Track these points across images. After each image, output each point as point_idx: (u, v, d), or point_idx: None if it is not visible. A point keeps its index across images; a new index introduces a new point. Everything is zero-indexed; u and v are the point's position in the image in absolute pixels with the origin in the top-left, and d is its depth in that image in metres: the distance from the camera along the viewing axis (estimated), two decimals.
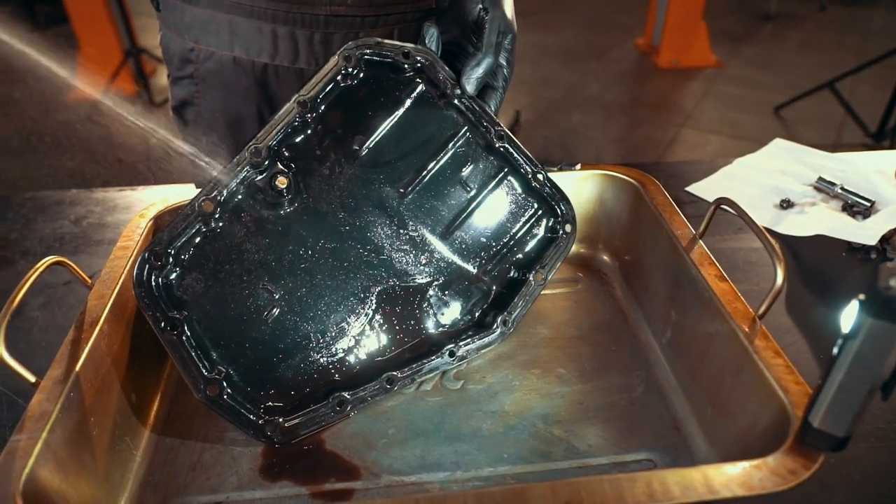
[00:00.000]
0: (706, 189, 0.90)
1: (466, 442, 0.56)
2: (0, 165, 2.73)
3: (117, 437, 0.54)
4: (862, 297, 0.36)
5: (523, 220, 0.69)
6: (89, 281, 0.59)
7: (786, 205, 0.86)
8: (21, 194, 0.91)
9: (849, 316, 0.37)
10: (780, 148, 1.00)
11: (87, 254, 0.79)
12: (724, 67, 3.76)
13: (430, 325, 0.64)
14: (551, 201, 0.69)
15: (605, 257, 0.77)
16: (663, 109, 3.37)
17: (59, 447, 0.46)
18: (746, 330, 0.51)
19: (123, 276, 0.59)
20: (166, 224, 0.61)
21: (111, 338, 0.56)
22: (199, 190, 0.57)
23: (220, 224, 0.58)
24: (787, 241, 0.81)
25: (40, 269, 0.53)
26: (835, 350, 0.39)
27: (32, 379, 0.49)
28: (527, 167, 0.68)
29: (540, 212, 0.69)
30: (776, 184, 0.90)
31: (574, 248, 0.74)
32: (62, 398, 0.48)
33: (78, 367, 0.50)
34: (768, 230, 0.82)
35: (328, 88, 0.61)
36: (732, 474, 0.41)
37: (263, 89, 0.79)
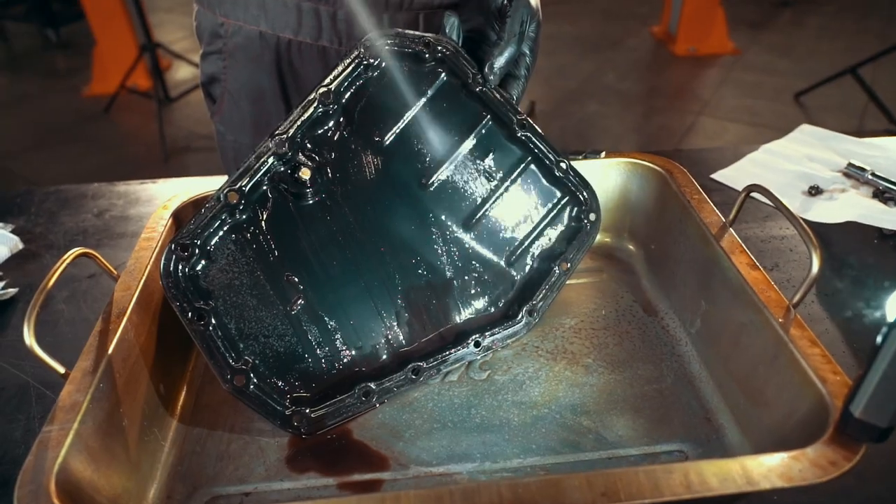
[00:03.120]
0: (732, 176, 0.88)
1: (494, 433, 0.56)
2: (18, 161, 2.76)
3: (146, 427, 0.54)
4: None
5: (547, 209, 0.68)
6: (115, 273, 0.59)
7: (814, 191, 0.85)
8: (43, 188, 0.92)
9: (894, 304, 0.36)
10: (806, 134, 0.98)
11: (111, 246, 0.80)
12: (741, 54, 3.71)
13: (455, 315, 0.63)
14: (575, 190, 0.68)
15: (630, 246, 0.76)
16: (680, 98, 3.33)
17: (91, 437, 0.47)
18: (781, 319, 0.50)
19: (149, 267, 0.59)
20: (189, 216, 0.61)
21: (138, 328, 0.56)
22: (225, 181, 0.57)
23: (245, 215, 0.57)
24: (817, 229, 0.79)
25: (67, 261, 0.53)
26: (878, 339, 0.38)
27: (62, 370, 0.49)
28: (550, 156, 0.67)
29: (564, 201, 0.68)
30: (804, 170, 0.88)
31: (600, 238, 0.74)
32: (92, 388, 0.48)
33: (107, 358, 0.50)
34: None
35: (350, 79, 0.61)
36: (771, 465, 0.40)
37: (287, 66, 0.80)
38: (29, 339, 0.47)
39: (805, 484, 0.39)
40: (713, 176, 0.89)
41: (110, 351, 0.51)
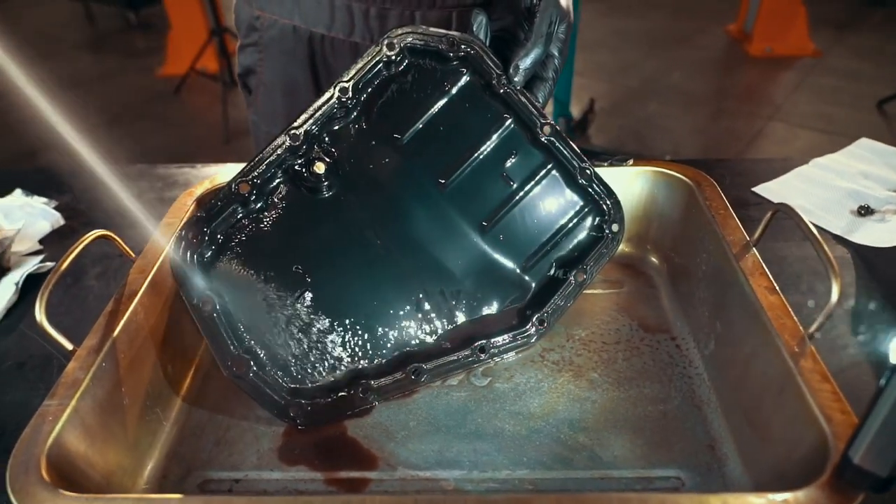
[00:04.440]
0: (775, 190, 0.83)
1: (487, 441, 0.55)
2: (94, 136, 2.90)
3: (148, 407, 0.56)
4: None
5: (568, 216, 0.66)
6: (133, 255, 0.61)
7: (864, 211, 0.79)
8: (93, 167, 0.96)
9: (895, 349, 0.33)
10: (864, 149, 0.92)
11: (144, 228, 0.82)
12: (822, 57, 3.52)
13: (462, 318, 0.63)
14: (598, 199, 0.66)
15: (653, 259, 0.73)
16: (750, 101, 3.19)
17: (88, 415, 0.48)
18: (793, 349, 0.47)
19: (165, 251, 0.61)
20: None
21: (149, 311, 0.57)
22: (238, 171, 0.58)
23: (257, 206, 0.58)
24: (863, 252, 0.74)
25: (85, 242, 0.56)
26: (881, 381, 0.35)
27: (70, 346, 0.51)
28: (574, 162, 0.65)
29: (586, 209, 0.66)
30: (855, 188, 0.83)
31: (621, 248, 0.71)
32: (94, 367, 0.50)
33: (112, 339, 0.52)
34: (840, 239, 0.76)
35: (370, 75, 0.60)
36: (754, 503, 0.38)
37: (320, 60, 0.80)
38: (39, 314, 0.50)
39: None
40: (755, 189, 0.84)
41: (116, 332, 0.53)
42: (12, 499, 0.41)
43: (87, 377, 0.49)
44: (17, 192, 0.87)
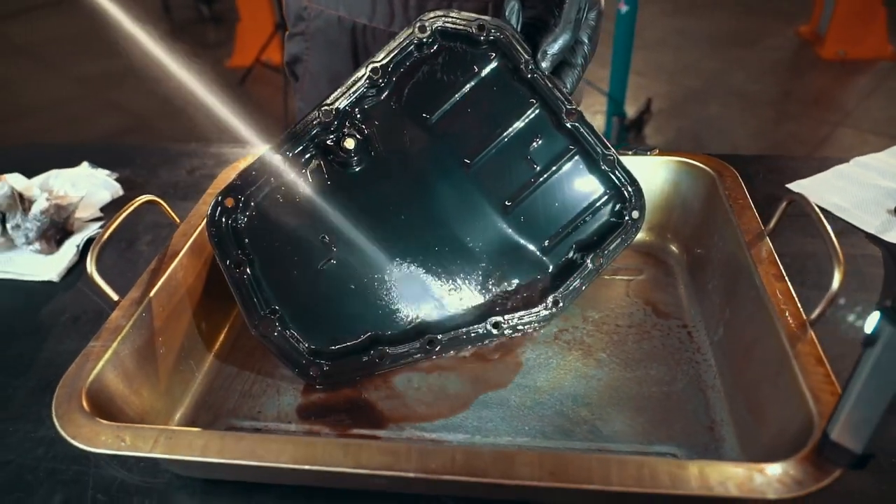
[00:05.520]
0: (809, 187, 0.82)
1: (492, 410, 0.57)
2: (165, 121, 3.06)
3: (183, 358, 0.61)
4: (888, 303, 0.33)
5: (589, 201, 0.67)
6: (178, 221, 0.67)
7: None
8: (153, 144, 1.03)
9: (870, 323, 0.34)
10: None
11: (192, 200, 0.88)
12: None
13: (480, 295, 0.65)
14: (620, 186, 0.67)
15: (673, 248, 0.73)
16: (818, 105, 3.07)
17: (127, 358, 0.54)
18: (792, 333, 0.48)
19: (206, 218, 0.66)
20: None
21: (188, 271, 0.63)
22: (272, 143, 0.62)
23: (289, 177, 0.62)
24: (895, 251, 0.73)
25: (134, 205, 0.61)
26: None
27: (115, 297, 0.56)
28: (598, 148, 0.66)
29: (607, 195, 0.67)
30: (895, 187, 0.81)
31: (642, 236, 0.72)
32: (135, 317, 0.55)
33: (153, 293, 0.57)
34: (873, 237, 0.74)
35: (402, 56, 0.63)
36: (731, 474, 0.39)
37: (362, 50, 0.84)
38: (90, 266, 0.55)
39: (762, 497, 0.38)
40: (789, 185, 0.83)
41: (157, 287, 0.58)
42: (56, 423, 0.46)
43: (128, 325, 0.54)
44: (85, 164, 0.94)
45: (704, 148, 2.70)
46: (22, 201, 0.79)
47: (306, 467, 0.42)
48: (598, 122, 2.86)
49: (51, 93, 3.18)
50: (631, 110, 2.74)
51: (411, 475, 0.41)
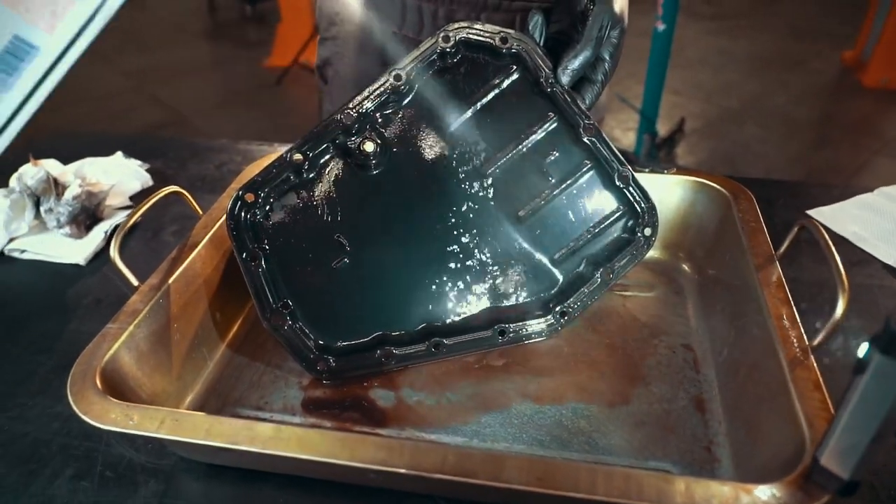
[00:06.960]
0: (830, 215, 0.81)
1: (492, 416, 0.58)
2: (201, 117, 3.13)
3: (196, 346, 0.63)
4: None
5: (602, 216, 0.68)
6: (201, 212, 0.69)
7: None
8: (184, 138, 1.07)
9: (862, 350, 0.34)
10: None
11: (218, 193, 0.91)
12: None
13: (489, 302, 0.66)
14: (634, 202, 0.67)
15: (685, 267, 0.73)
16: (858, 132, 3.01)
17: (142, 341, 0.56)
18: (791, 357, 0.48)
19: (226, 211, 0.68)
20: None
21: (206, 261, 0.65)
22: (294, 143, 0.64)
23: (308, 176, 0.64)
24: None
25: (159, 195, 0.63)
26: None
27: (135, 283, 0.59)
28: (613, 164, 0.67)
29: (620, 211, 0.68)
30: None
31: (655, 254, 0.72)
32: (152, 302, 0.57)
33: (171, 281, 0.60)
34: (891, 269, 0.73)
35: (424, 64, 0.65)
36: (716, 492, 0.39)
37: (391, 57, 0.86)
38: (113, 251, 0.58)
39: None
40: (809, 211, 0.83)
41: (175, 275, 0.60)
42: (70, 400, 0.48)
43: (146, 309, 0.56)
44: (119, 154, 0.98)
45: (737, 170, 2.67)
46: (56, 186, 0.83)
47: (303, 456, 0.44)
48: (630, 138, 2.85)
49: (99, 84, 3.28)
50: (664, 129, 2.72)
51: (402, 471, 0.42)
